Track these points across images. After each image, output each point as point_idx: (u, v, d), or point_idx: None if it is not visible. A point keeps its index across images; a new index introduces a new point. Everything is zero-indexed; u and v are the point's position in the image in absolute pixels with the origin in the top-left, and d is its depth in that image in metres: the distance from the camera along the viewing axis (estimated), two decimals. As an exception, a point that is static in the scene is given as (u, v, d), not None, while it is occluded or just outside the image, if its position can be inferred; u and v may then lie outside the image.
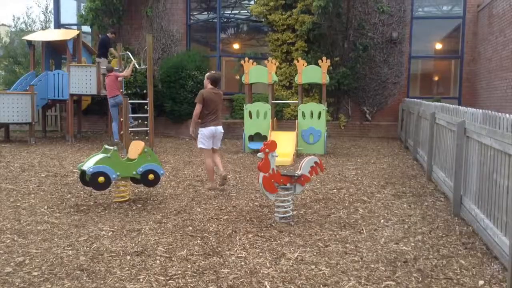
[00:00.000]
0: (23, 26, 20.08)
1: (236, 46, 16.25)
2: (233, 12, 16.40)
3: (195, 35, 15.78)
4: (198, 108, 6.50)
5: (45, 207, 5.50)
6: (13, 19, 20.36)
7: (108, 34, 12.50)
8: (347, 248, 4.23)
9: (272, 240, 4.43)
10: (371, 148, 11.52)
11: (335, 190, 6.65)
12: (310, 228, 4.81)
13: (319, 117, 10.36)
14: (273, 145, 4.97)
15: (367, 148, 11.44)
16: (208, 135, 6.57)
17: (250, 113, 10.76)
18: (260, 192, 5.37)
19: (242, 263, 3.83)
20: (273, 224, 4.93)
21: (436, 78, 15.69)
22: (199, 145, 6.67)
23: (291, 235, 4.58)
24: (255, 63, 11.06)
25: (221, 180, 6.69)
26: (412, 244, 4.35)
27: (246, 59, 10.96)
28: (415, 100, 10.75)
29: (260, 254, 4.06)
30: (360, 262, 3.89)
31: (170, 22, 14.95)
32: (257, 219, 5.16)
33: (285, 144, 9.70)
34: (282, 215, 5.07)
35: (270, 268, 3.75)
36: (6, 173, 7.48)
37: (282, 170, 5.43)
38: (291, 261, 3.88)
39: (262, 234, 4.61)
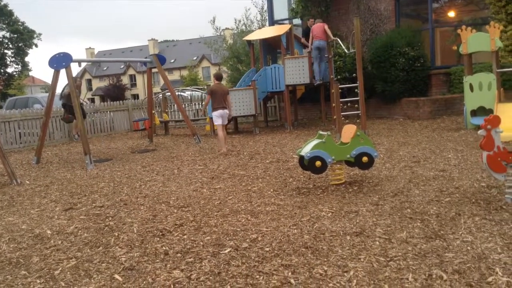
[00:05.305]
0: (243, 27, 22.26)
1: (451, 14, 14.91)
2: (445, -23, 15.06)
3: (404, 10, 15.04)
4: (207, 98, 9.99)
5: (271, 190, 6.06)
6: (235, 22, 22.85)
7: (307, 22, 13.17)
8: None
9: (503, 223, 4.00)
10: None
11: None
12: (552, 212, 4.18)
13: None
14: (495, 120, 4.48)
15: None
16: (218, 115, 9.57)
17: (471, 85, 9.82)
18: (486, 172, 4.88)
19: (469, 248, 3.57)
20: (504, 207, 4.43)
21: None
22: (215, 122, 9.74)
23: (528, 219, 4.06)
24: (474, 30, 10.01)
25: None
26: None
27: (463, 27, 10.01)
28: None
29: (489, 238, 3.72)
30: None
31: (377, 0, 14.57)
32: (484, 201, 4.72)
33: (516, 117, 8.55)
34: (515, 197, 4.52)
35: (502, 253, 3.40)
36: (237, 161, 8.48)
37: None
38: (529, 248, 3.45)
39: (490, 217, 4.21)
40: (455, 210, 4.52)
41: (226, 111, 9.72)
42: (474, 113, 9.81)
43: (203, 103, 16.29)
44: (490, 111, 9.27)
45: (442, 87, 13.21)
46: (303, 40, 13.73)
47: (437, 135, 9.49)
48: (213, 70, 56.53)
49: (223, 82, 23.66)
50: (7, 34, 50.44)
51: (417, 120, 12.12)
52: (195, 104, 16.98)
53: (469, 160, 6.80)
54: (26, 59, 52.80)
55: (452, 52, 14.33)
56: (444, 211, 4.53)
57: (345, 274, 3.31)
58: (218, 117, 9.59)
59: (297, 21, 16.09)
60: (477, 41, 9.83)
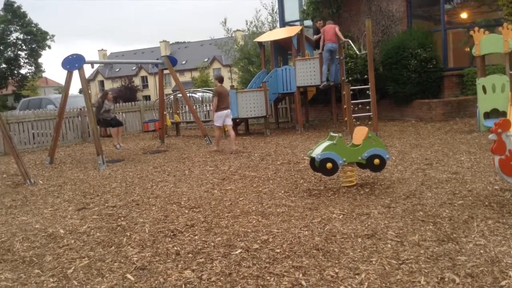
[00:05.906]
0: (254, 29, 22.24)
1: (463, 15, 14.80)
2: (458, -22, 14.94)
3: (416, 11, 14.95)
4: (215, 100, 9.92)
5: (282, 191, 6.06)
6: (246, 24, 22.76)
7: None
8: None
9: (518, 227, 3.97)
10: None
11: None
12: None
13: None
14: (506, 124, 4.44)
15: None
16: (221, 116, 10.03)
17: (484, 87, 9.73)
18: (499, 175, 4.84)
19: (482, 251, 3.54)
20: (518, 210, 4.40)
21: None
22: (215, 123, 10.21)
23: (542, 223, 4.01)
24: (487, 32, 9.92)
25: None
26: None
27: (476, 28, 9.92)
28: None
29: (503, 242, 3.69)
30: None
31: (389, 2, 14.50)
32: (498, 204, 4.67)
33: (530, 119, 8.45)
34: (530, 200, 4.48)
35: (516, 258, 3.37)
36: (248, 162, 8.49)
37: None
38: (543, 252, 3.41)
39: (504, 220, 4.17)
40: (468, 213, 4.49)
41: (229, 111, 10.30)
42: (487, 115, 9.72)
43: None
44: (504, 113, 9.18)
45: (454, 89, 13.11)
46: (316, 37, 13.63)
47: (450, 137, 9.42)
48: (224, 72, 56.75)
49: (234, 84, 23.78)
50: (21, 36, 51.08)
51: (430, 122, 12.03)
52: (206, 106, 17.03)
53: (482, 162, 6.74)
54: (40, 60, 53.46)
55: (465, 54, 14.21)
56: (456, 214, 4.50)
57: (357, 276, 3.30)
58: (221, 117, 10.08)
59: (308, 22, 16.04)
60: (490, 43, 9.74)
